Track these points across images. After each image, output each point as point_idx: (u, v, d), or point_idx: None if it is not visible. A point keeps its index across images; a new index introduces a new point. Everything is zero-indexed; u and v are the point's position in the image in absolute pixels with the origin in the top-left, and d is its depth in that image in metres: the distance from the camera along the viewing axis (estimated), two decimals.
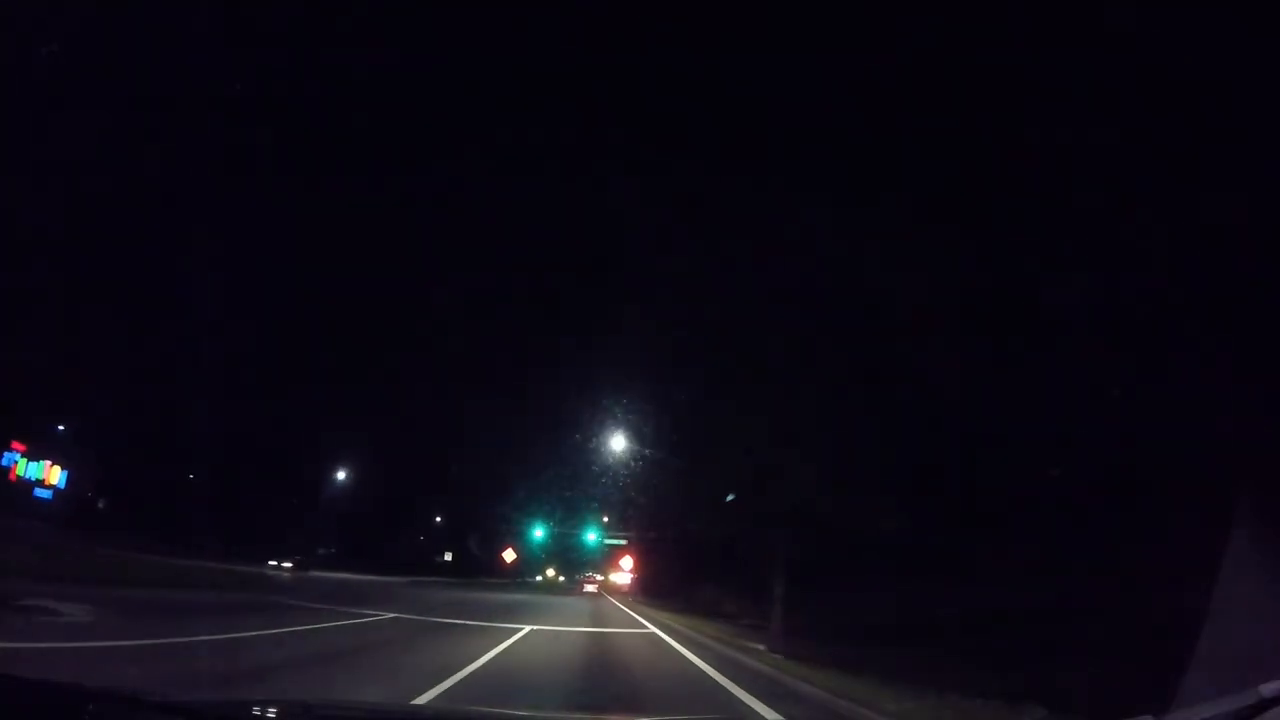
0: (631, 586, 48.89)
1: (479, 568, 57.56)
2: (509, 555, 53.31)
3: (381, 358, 44.83)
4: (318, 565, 36.18)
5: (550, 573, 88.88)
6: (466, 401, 49.61)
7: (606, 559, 70.25)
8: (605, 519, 46.33)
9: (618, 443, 26.10)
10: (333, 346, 42.18)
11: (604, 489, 40.43)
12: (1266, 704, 1.97)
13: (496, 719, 5.12)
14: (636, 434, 25.62)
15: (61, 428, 39.15)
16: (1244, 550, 3.89)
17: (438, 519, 65.17)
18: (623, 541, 43.62)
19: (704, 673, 10.24)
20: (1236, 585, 3.76)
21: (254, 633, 10.76)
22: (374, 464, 49.78)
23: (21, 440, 36.67)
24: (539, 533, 48.56)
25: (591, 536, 46.01)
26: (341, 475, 46.51)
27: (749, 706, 7.28)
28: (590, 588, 67.30)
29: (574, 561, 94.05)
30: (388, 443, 50.69)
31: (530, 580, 77.08)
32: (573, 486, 49.56)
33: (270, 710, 3.06)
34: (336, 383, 45.94)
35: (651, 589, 35.85)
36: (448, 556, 64.53)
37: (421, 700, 6.27)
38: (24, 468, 38.15)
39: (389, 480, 52.92)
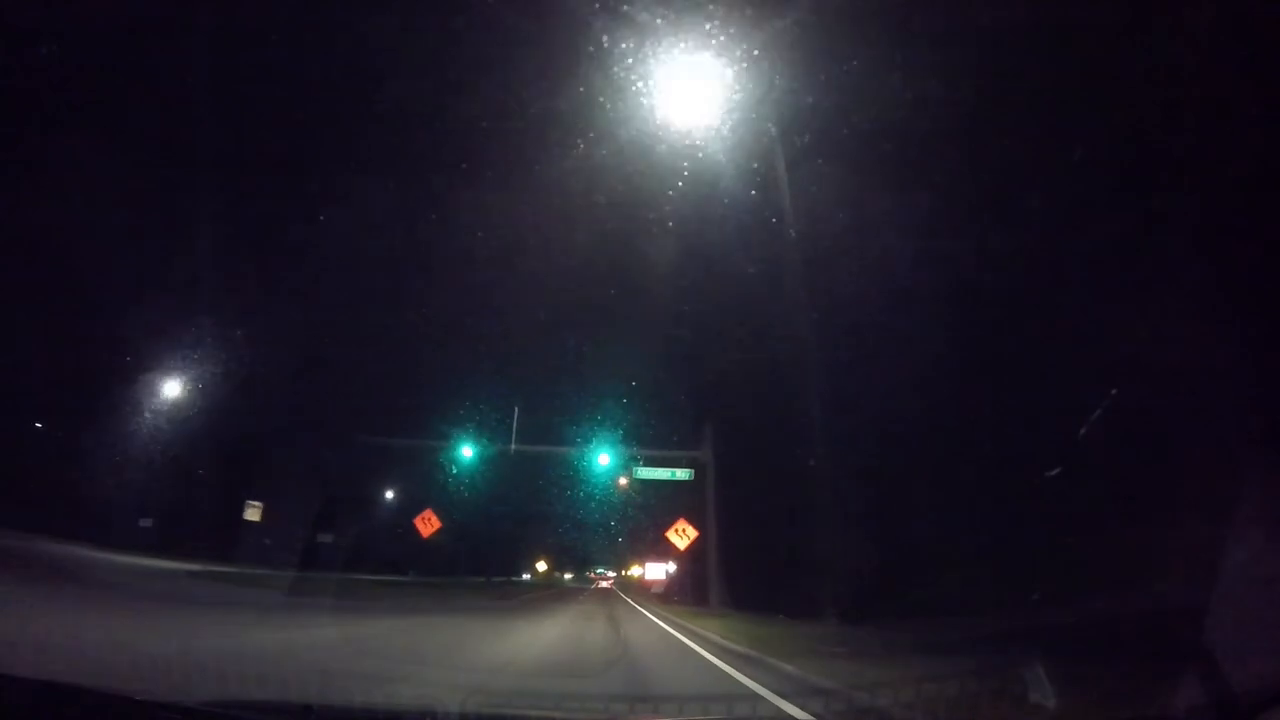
0: (675, 585, 30.35)
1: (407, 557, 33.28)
2: (427, 523, 23.66)
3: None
4: (125, 546, 19.47)
5: (541, 566, 70.37)
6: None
7: (631, 541, 47.30)
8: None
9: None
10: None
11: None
12: (1266, 704, 2.23)
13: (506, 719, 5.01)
14: None
15: None
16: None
17: (389, 494, 35.53)
18: (670, 475, 20.92)
19: None
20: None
21: None
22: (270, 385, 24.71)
23: None
24: (467, 450, 21.00)
25: (604, 459, 21.25)
26: (173, 394, 20.73)
27: (773, 704, 5.98)
28: (604, 584, 50.81)
29: (571, 546, 72.42)
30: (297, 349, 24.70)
31: (510, 580, 54.65)
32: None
33: (270, 711, 3.05)
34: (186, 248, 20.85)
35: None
36: (251, 515, 27.56)
37: None
38: None
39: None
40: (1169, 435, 8.67)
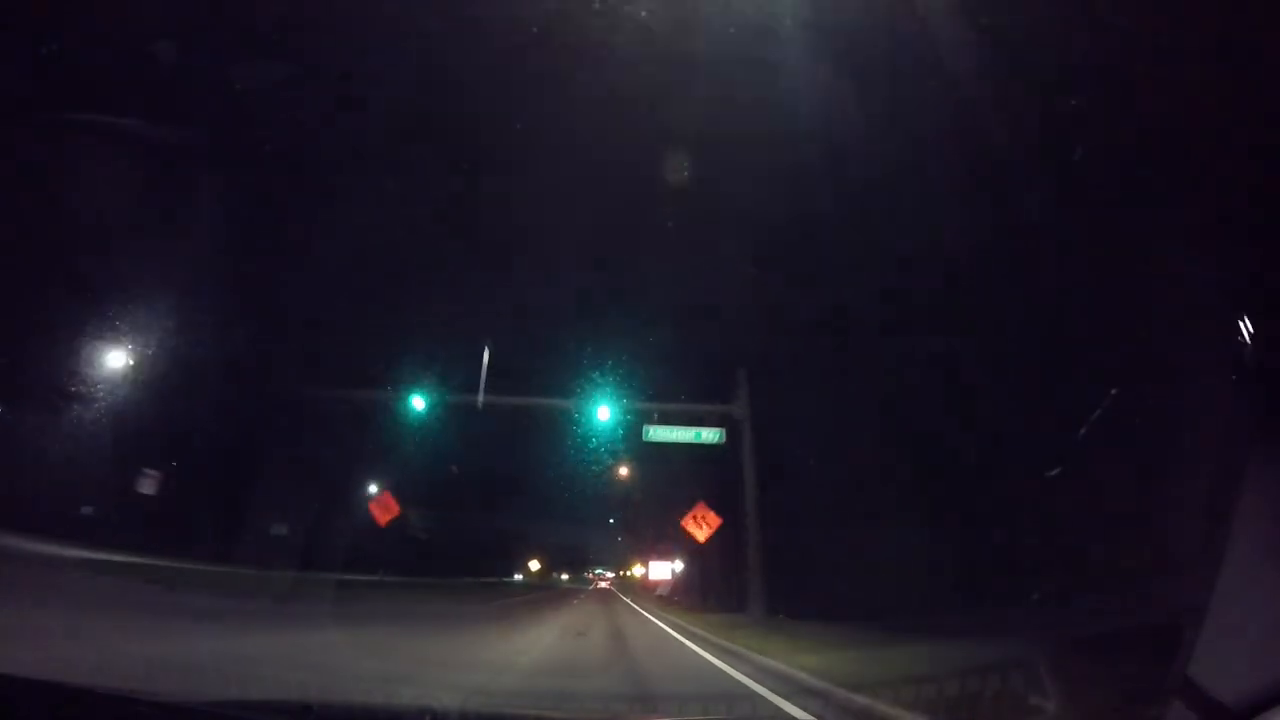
0: (681, 586, 29.45)
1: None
2: (385, 509, 21.42)
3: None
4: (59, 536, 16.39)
5: (534, 566, 69.85)
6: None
7: (632, 540, 43.97)
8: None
9: None
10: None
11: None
12: (1266, 704, 2.13)
13: (508, 719, 4.97)
14: None
15: None
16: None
17: (372, 488, 28.66)
18: (695, 436, 15.73)
19: None
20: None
21: None
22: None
23: None
24: (418, 402, 16.18)
25: (604, 413, 16.09)
26: (113, 367, 16.46)
27: (774, 704, 5.99)
28: (603, 585, 50.54)
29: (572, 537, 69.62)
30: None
31: (502, 581, 52.50)
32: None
33: (270, 710, 3.02)
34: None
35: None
36: (146, 488, 21.46)
37: None
38: None
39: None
40: (1169, 434, 8.54)
